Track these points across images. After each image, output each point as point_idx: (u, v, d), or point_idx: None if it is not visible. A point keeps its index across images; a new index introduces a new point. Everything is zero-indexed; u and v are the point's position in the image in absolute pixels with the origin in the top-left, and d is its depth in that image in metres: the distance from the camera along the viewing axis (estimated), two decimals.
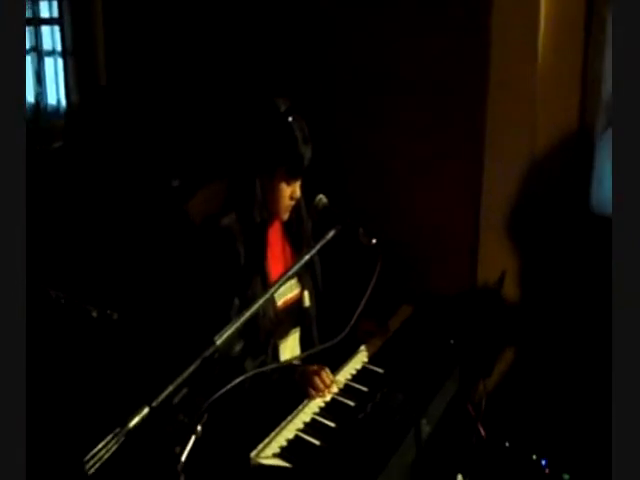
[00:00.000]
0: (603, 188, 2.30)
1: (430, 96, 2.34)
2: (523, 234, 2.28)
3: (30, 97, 4.13)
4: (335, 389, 1.76)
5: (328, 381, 1.76)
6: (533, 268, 2.30)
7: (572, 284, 2.25)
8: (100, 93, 3.54)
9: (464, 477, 1.51)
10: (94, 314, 1.87)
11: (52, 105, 4.22)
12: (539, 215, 2.27)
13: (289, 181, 1.84)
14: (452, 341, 1.84)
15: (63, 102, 4.09)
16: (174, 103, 3.10)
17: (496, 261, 2.28)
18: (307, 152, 1.82)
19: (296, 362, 1.89)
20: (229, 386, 1.21)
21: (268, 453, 1.47)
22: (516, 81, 2.16)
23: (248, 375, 1.27)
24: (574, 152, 2.30)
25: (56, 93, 4.17)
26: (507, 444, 1.70)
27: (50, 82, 4.20)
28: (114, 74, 3.49)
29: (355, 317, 1.54)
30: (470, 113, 2.24)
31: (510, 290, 2.26)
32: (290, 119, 1.79)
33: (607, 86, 2.22)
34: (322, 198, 1.82)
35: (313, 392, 1.73)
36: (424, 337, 1.97)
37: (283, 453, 1.48)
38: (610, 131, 2.25)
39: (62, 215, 3.18)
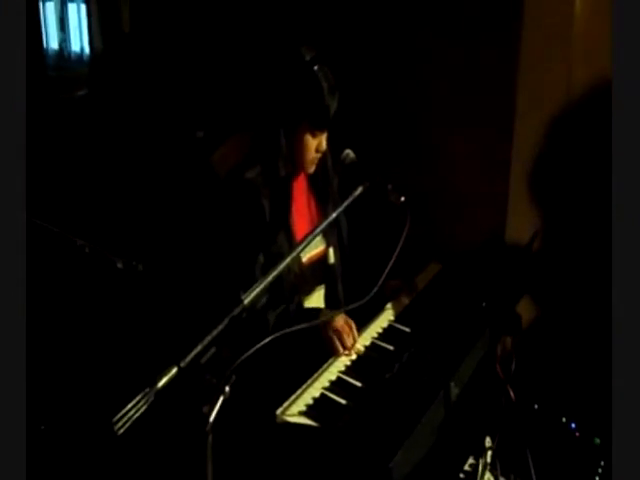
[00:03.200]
0: None
1: (462, 38, 2.23)
2: (553, 190, 2.21)
3: (54, 44, 4.07)
4: (361, 347, 1.75)
5: (356, 335, 1.74)
6: (563, 225, 2.24)
7: (602, 241, 2.19)
8: (124, 40, 3.48)
9: (492, 440, 1.49)
10: (119, 265, 1.86)
11: (76, 52, 4.16)
12: (571, 169, 2.19)
13: (315, 133, 1.80)
14: (484, 304, 1.80)
15: (87, 49, 4.02)
16: (199, 51, 3.03)
17: (526, 219, 2.23)
18: (333, 103, 1.77)
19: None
20: (257, 346, 1.19)
21: (294, 411, 1.47)
22: (551, 22, 2.05)
23: (276, 335, 1.24)
24: (609, 102, 2.21)
25: (80, 40, 4.10)
26: (536, 406, 1.68)
27: (73, 29, 4.13)
28: (138, 21, 3.41)
29: (383, 277, 1.50)
30: (503, 57, 2.14)
31: (540, 247, 2.21)
32: (315, 68, 1.74)
33: None
34: (349, 153, 1.79)
35: (340, 349, 1.71)
36: (452, 296, 1.94)
37: (309, 411, 1.47)
38: None
39: (87, 165, 3.17)
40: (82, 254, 1.84)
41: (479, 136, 2.26)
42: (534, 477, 1.43)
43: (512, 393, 1.52)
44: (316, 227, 1.55)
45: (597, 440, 1.58)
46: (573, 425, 1.63)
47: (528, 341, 2.03)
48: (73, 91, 3.63)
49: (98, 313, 2.42)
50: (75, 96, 3.60)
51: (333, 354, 1.71)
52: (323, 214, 1.91)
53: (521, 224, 2.23)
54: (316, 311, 1.87)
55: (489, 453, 1.48)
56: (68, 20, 4.14)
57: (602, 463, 1.52)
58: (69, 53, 4.18)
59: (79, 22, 4.09)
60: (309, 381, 1.58)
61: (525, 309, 2.10)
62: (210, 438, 1.06)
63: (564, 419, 1.64)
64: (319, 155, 1.85)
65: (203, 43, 3.02)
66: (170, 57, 3.15)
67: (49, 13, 4.02)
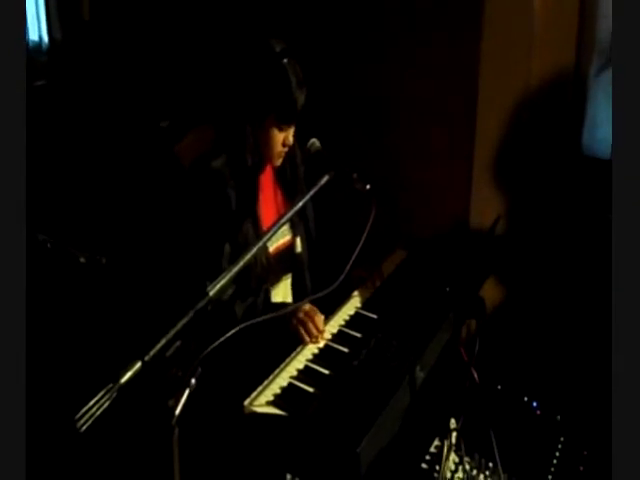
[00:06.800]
0: (595, 130, 2.28)
1: (425, 34, 2.25)
2: (515, 176, 2.26)
3: None
4: (328, 335, 1.76)
5: (321, 325, 1.75)
6: (525, 210, 2.28)
7: (563, 225, 2.24)
8: (84, 29, 3.40)
9: (457, 421, 1.52)
10: (82, 259, 1.83)
11: (34, 41, 4.05)
12: (531, 157, 2.24)
13: (282, 127, 1.79)
14: (448, 288, 1.83)
15: (45, 38, 3.93)
16: (162, 39, 2.98)
17: (489, 204, 2.27)
18: (301, 97, 1.76)
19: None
20: (223, 338, 1.19)
21: (262, 401, 1.48)
22: (511, 21, 2.09)
23: (242, 326, 1.25)
24: (568, 94, 2.26)
25: (38, 29, 4.00)
26: (499, 387, 1.71)
27: (31, 17, 4.02)
28: (98, 8, 3.34)
29: (349, 266, 1.52)
30: (465, 51, 2.16)
31: (502, 233, 2.25)
32: (284, 61, 1.72)
33: (602, 27, 2.18)
34: (315, 142, 1.78)
35: (306, 337, 1.72)
36: (418, 282, 1.96)
37: (277, 401, 1.49)
38: (604, 74, 2.22)
39: (46, 156, 3.11)
40: (44, 249, 1.81)
41: (443, 125, 2.29)
42: (497, 455, 1.46)
43: (476, 375, 1.55)
44: (282, 216, 1.55)
45: (558, 417, 1.63)
46: (535, 404, 1.67)
47: (491, 324, 2.07)
48: (32, 81, 3.54)
49: (62, 308, 2.38)
50: (34, 86, 3.51)
51: (300, 342, 1.72)
52: (290, 206, 1.91)
53: (484, 210, 2.26)
54: (283, 306, 1.88)
55: (454, 434, 1.50)
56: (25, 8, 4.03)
57: (562, 439, 1.57)
58: (27, 42, 4.07)
59: (37, 10, 3.99)
60: (277, 371, 1.59)
61: (488, 293, 2.14)
62: (176, 432, 1.06)
63: (526, 398, 1.68)
64: (286, 149, 1.84)
65: (168, 32, 2.98)
66: (133, 46, 3.09)
67: None
